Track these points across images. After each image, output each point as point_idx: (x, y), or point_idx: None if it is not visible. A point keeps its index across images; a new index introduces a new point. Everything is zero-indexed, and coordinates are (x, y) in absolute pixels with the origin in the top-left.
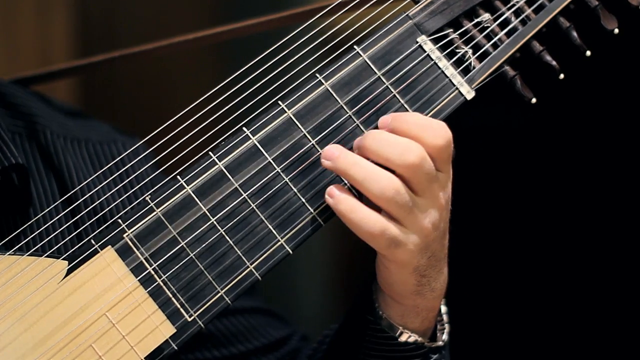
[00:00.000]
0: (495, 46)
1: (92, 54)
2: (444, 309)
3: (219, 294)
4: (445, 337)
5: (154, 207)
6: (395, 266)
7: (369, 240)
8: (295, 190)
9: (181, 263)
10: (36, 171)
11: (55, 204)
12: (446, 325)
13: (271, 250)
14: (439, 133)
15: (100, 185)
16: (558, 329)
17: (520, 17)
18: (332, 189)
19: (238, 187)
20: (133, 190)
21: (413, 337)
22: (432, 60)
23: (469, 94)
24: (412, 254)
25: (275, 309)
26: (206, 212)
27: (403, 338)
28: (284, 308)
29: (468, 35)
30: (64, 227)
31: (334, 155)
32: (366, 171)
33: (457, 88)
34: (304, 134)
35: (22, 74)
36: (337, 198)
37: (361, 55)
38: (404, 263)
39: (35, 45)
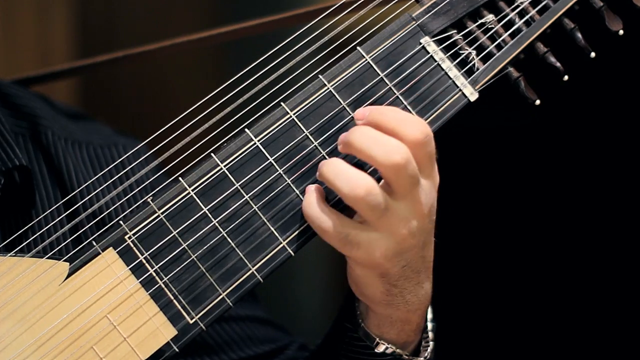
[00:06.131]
0: (499, 47)
1: (92, 55)
2: (430, 325)
3: (221, 296)
4: (428, 354)
5: (156, 209)
6: (359, 267)
7: (322, 235)
8: (298, 192)
9: (183, 265)
10: (39, 173)
11: (56, 205)
12: (431, 343)
13: (273, 252)
14: (418, 127)
15: (100, 188)
16: (557, 330)
17: (525, 19)
18: (309, 187)
19: (240, 188)
20: (133, 192)
21: (390, 349)
22: (436, 61)
23: (473, 96)
24: (379, 258)
25: (274, 319)
26: (208, 213)
27: (380, 349)
28: (283, 311)
29: (472, 37)
30: (65, 228)
31: None
32: (337, 170)
33: (460, 89)
34: (307, 135)
35: (22, 74)
36: (306, 192)
37: (364, 57)
38: (367, 265)
39: (35, 46)
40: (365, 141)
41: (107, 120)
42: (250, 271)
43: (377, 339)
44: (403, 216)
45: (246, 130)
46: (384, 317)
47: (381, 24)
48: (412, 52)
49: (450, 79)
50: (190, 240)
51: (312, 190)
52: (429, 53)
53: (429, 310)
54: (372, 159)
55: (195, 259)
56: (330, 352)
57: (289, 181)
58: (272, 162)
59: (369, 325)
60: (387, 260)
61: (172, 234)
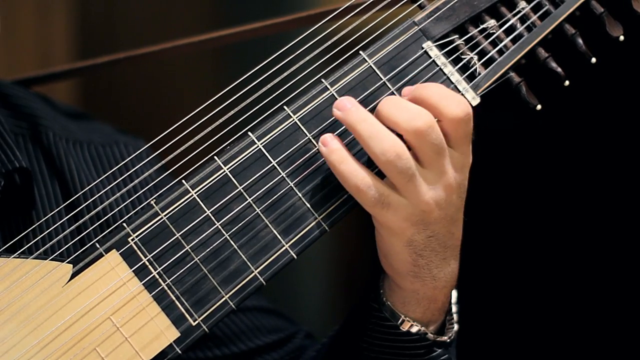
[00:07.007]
0: (500, 52)
1: (92, 56)
2: (454, 307)
3: (224, 299)
4: (452, 335)
5: (159, 211)
6: (386, 232)
7: (355, 194)
8: (300, 195)
9: (186, 267)
10: (39, 173)
11: (60, 207)
12: (455, 325)
13: (276, 255)
14: (459, 105)
15: (105, 190)
16: (562, 330)
17: (526, 24)
18: (326, 138)
19: (243, 191)
20: (137, 194)
21: (415, 327)
22: (438, 66)
23: (474, 100)
24: (404, 223)
25: (279, 309)
26: (211, 216)
27: (405, 327)
28: (284, 309)
29: (474, 42)
30: (68, 230)
31: (346, 107)
32: (373, 129)
33: (462, 94)
34: (309, 139)
35: (22, 75)
36: (330, 148)
37: (367, 61)
38: (394, 230)
39: (35, 46)
40: (390, 108)
41: (107, 121)
42: (253, 274)
43: (403, 316)
44: (429, 184)
45: (249, 133)
46: (410, 293)
47: (383, 28)
48: (414, 57)
49: (452, 83)
50: (194, 243)
51: (339, 147)
52: (431, 58)
53: (454, 292)
54: (396, 124)
55: (198, 261)
56: (352, 335)
57: (291, 184)
58: (275, 165)
59: (394, 303)
60: (413, 226)
61: (176, 237)
